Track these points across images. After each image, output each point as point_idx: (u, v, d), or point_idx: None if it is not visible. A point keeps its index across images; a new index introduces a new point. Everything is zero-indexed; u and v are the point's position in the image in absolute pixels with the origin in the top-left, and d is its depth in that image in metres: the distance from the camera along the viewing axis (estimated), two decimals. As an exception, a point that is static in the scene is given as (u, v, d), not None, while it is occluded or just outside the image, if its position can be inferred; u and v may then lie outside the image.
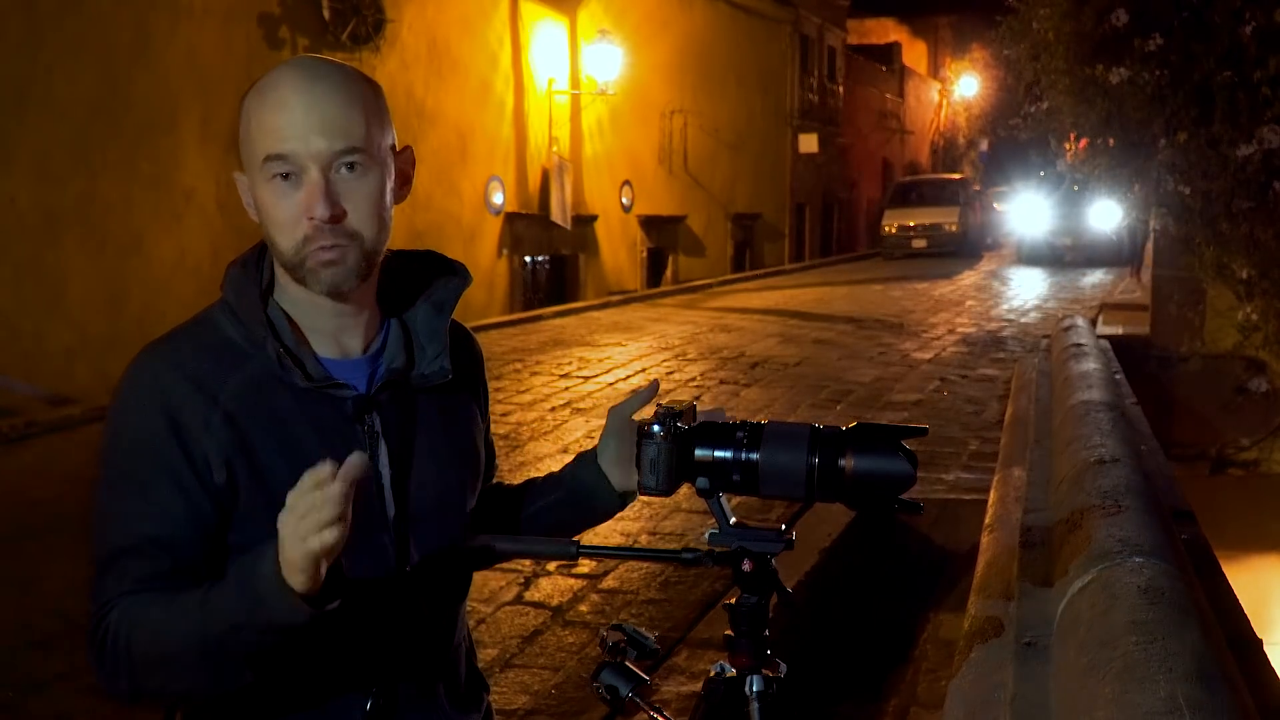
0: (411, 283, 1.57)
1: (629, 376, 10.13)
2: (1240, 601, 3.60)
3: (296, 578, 1.26)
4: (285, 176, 1.40)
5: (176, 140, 10.13)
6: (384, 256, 1.50)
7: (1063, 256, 24.48)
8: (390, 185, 1.47)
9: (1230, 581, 3.76)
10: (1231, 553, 6.01)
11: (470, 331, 1.69)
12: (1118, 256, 22.36)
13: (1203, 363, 9.57)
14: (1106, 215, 21.84)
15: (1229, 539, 6.59)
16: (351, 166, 1.41)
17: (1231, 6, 6.53)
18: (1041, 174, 24.14)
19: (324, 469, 1.23)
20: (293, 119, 1.38)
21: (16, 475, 6.71)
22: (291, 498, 1.25)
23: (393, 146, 1.49)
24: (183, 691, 1.44)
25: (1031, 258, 24.87)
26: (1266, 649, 3.25)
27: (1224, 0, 6.54)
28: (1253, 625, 3.43)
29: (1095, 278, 21.44)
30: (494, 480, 1.79)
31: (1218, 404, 9.34)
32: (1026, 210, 26.29)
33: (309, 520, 1.23)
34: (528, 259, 15.96)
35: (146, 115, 9.79)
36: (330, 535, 1.23)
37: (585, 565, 5.08)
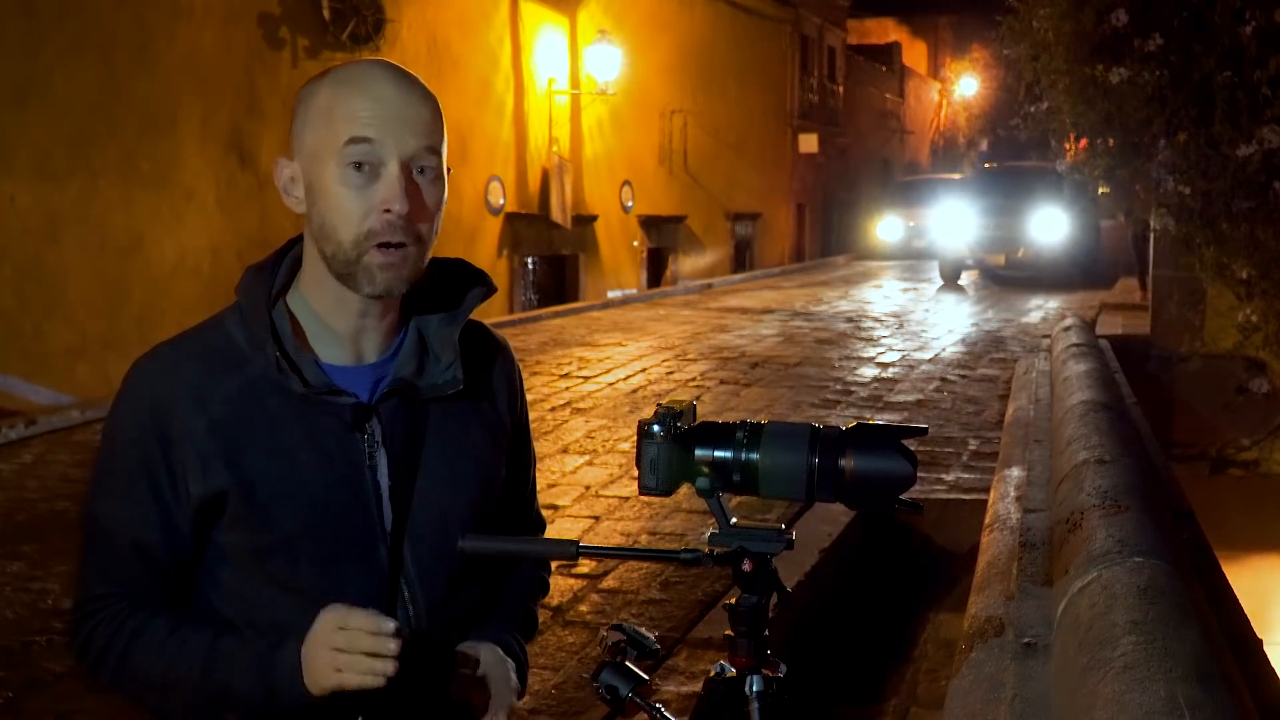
0: (435, 290, 1.55)
1: (629, 376, 10.13)
2: (1240, 601, 3.60)
3: (318, 688, 1.37)
4: (359, 167, 1.39)
5: (176, 140, 10.12)
6: None
7: (997, 278, 19.67)
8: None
9: (1230, 581, 3.77)
10: (1231, 553, 6.01)
11: (505, 343, 1.67)
12: (1073, 277, 18.47)
13: (1203, 363, 9.57)
14: (1052, 224, 18.24)
15: (1229, 539, 6.59)
16: (424, 170, 1.42)
17: (1231, 6, 6.52)
18: (987, 165, 19.73)
19: (388, 625, 1.33)
20: (387, 111, 1.39)
21: (16, 475, 6.71)
22: (340, 635, 1.34)
23: None
24: (162, 712, 1.50)
25: (953, 280, 19.37)
26: (1266, 649, 3.26)
27: (1224, 0, 6.54)
28: (1253, 625, 3.43)
29: (1045, 310, 15.51)
30: (535, 500, 1.77)
31: (1218, 404, 9.33)
32: (948, 219, 19.69)
33: (358, 664, 1.33)
34: (528, 259, 15.96)
35: (146, 115, 9.79)
36: (366, 683, 1.34)
37: (585, 565, 5.08)
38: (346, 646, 1.33)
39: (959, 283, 19.40)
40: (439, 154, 1.43)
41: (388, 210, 1.39)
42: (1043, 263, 18.84)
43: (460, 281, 1.57)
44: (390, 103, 1.40)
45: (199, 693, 1.42)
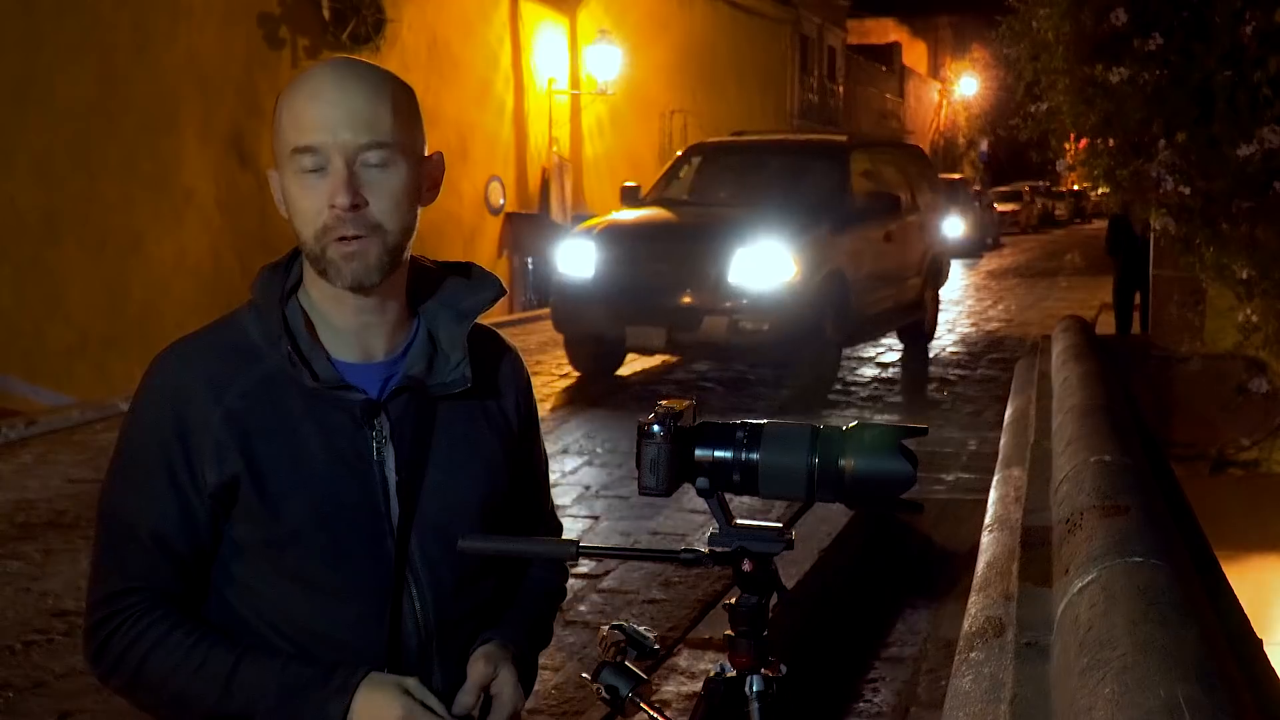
0: (445, 291, 1.58)
1: (628, 376, 10.12)
2: (1240, 601, 3.60)
3: None
4: (312, 170, 1.42)
5: (176, 140, 10.13)
6: (410, 257, 1.53)
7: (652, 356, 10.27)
8: (417, 185, 1.49)
9: (1230, 581, 3.76)
10: (1231, 553, 6.00)
11: (514, 348, 1.69)
12: (821, 377, 9.25)
13: (1203, 363, 9.56)
14: (764, 267, 8.54)
15: (1229, 539, 6.58)
16: (376, 160, 1.43)
17: (1231, 7, 6.51)
18: (632, 188, 10.37)
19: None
20: (321, 112, 1.41)
21: (16, 475, 6.70)
22: None
23: (423, 151, 1.51)
24: None
25: (601, 368, 9.77)
26: (1266, 649, 3.25)
27: (1224, 0, 6.53)
28: (1253, 625, 3.43)
29: None
30: (549, 504, 1.80)
31: (1218, 404, 9.32)
32: (576, 254, 9.28)
33: None
34: (528, 259, 15.96)
35: (146, 115, 9.79)
36: None
37: (585, 565, 5.08)
38: None
39: (614, 374, 9.96)
40: (385, 144, 1.43)
41: (333, 205, 1.41)
42: (747, 341, 8.74)
43: (470, 283, 1.60)
44: (329, 102, 1.41)
45: (217, 712, 1.44)
